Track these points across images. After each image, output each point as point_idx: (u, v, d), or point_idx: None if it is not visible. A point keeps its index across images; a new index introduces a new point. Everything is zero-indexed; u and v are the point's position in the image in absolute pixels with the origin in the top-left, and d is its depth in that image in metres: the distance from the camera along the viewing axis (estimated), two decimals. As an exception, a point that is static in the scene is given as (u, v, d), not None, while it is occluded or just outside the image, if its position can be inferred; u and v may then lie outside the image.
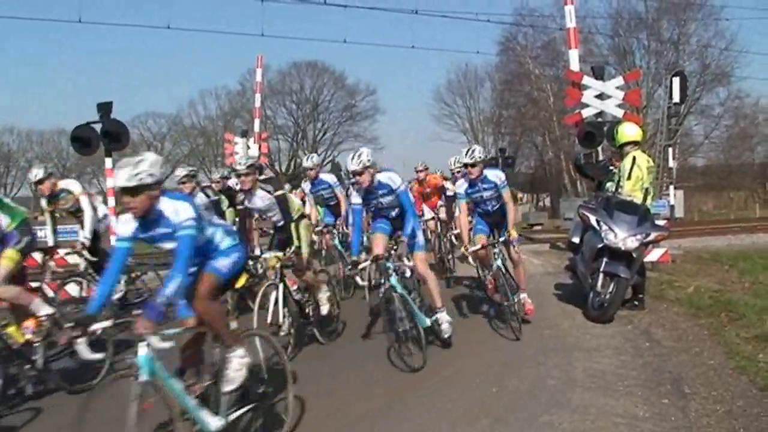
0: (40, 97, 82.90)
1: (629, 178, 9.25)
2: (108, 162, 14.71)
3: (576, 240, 9.73)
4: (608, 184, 9.83)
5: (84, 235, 9.43)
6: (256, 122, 28.78)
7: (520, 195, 56.44)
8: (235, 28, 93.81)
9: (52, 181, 9.25)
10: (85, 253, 9.46)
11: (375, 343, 8.07)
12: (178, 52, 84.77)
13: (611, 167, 11.16)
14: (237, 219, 9.48)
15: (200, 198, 10.19)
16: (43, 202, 9.44)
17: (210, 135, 62.32)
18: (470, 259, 8.59)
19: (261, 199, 8.17)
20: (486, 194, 8.54)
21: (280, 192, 8.17)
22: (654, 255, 11.77)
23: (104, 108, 13.97)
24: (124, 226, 4.69)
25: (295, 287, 8.17)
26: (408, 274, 7.90)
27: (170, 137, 65.27)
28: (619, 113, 14.47)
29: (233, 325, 5.54)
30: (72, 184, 9.70)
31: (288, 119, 64.88)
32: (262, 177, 8.73)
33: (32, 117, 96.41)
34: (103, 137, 14.00)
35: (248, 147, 26.17)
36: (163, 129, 65.08)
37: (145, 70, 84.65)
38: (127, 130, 14.90)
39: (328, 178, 11.27)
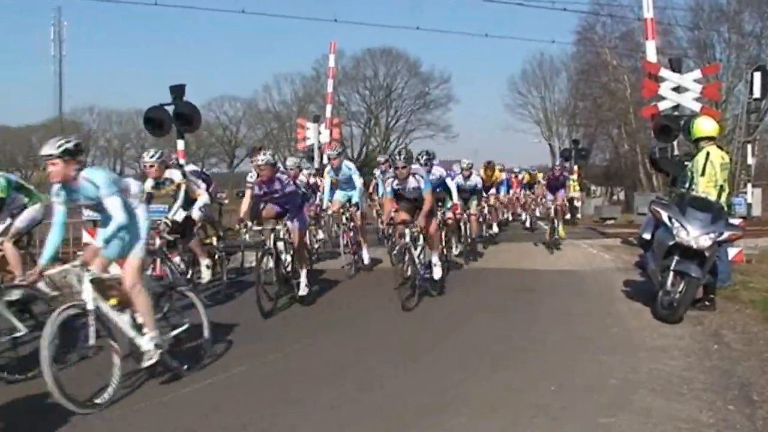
0: (120, 79, 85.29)
1: (703, 174, 8.97)
2: (180, 144, 14.98)
3: (647, 236, 9.45)
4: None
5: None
6: (328, 108, 28.99)
7: (593, 188, 55.70)
8: (309, 14, 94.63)
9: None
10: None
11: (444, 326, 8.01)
12: (253, 36, 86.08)
13: (687, 162, 10.85)
14: None
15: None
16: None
17: (284, 120, 63.20)
18: None
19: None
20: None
21: None
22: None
23: (177, 90, 14.22)
24: None
25: None
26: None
27: (245, 121, 66.51)
28: (697, 107, 14.08)
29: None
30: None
31: (361, 105, 65.46)
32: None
33: (112, 97, 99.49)
34: (175, 119, 14.24)
35: (319, 132, 26.36)
36: (238, 113, 66.38)
37: (222, 54, 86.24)
38: (199, 113, 15.13)
39: None
